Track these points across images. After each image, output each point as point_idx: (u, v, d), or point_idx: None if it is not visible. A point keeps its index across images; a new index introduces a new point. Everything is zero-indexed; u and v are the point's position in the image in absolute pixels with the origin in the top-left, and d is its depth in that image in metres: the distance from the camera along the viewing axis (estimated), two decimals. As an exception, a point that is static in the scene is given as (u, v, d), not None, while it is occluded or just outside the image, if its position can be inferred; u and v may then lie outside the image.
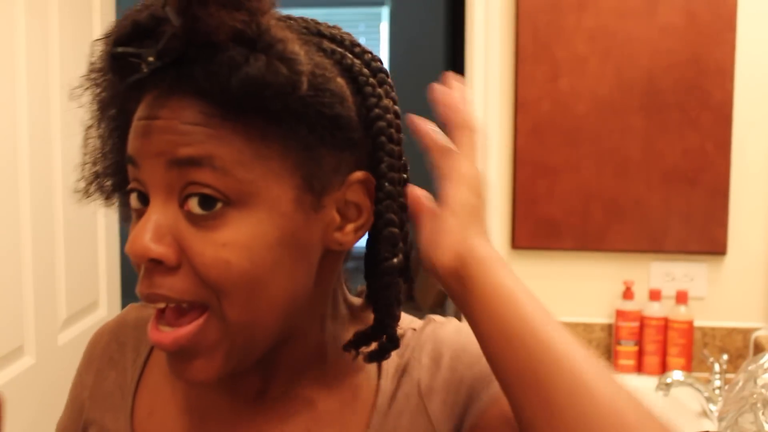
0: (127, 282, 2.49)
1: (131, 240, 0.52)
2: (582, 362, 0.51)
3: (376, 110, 0.58)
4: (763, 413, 1.27)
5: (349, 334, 0.63)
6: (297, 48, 0.51)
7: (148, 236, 0.52)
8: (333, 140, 0.55)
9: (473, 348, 0.61)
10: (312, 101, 0.52)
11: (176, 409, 0.66)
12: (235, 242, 0.52)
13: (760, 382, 1.34)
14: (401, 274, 0.60)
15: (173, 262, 0.53)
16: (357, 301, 0.68)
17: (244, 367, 0.57)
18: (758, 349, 1.79)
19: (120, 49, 0.51)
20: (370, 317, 0.62)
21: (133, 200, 0.56)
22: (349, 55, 0.59)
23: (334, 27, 0.63)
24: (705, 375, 1.76)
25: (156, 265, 0.53)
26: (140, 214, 0.55)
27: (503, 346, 0.53)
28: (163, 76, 0.50)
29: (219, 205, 0.52)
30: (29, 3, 1.54)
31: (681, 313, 1.79)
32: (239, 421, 0.64)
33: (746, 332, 1.83)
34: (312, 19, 0.63)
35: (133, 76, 0.51)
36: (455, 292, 0.56)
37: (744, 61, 1.79)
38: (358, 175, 0.58)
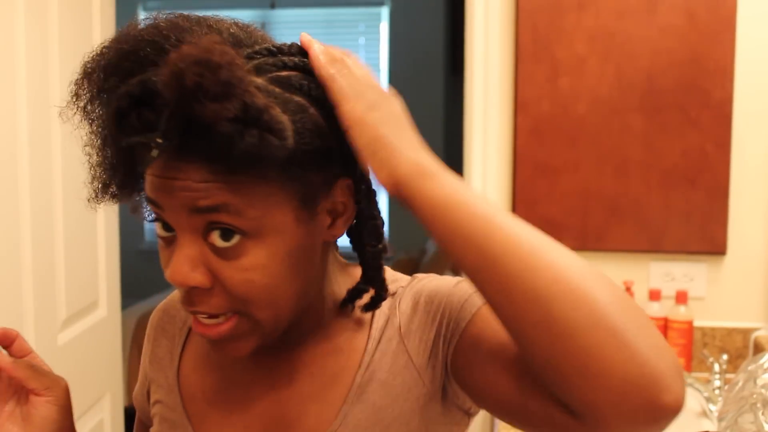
0: (126, 282, 2.49)
1: (173, 271, 0.63)
2: (524, 241, 0.59)
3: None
4: (762, 413, 1.27)
5: (342, 291, 0.76)
6: (279, 112, 0.59)
7: (186, 267, 0.64)
8: (318, 163, 0.65)
9: (442, 289, 0.74)
10: (297, 147, 0.61)
11: (209, 367, 0.81)
12: (255, 265, 0.64)
13: (759, 382, 1.34)
14: (384, 250, 0.74)
15: (208, 286, 0.64)
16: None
17: (271, 341, 0.71)
18: (758, 349, 1.79)
19: (127, 142, 0.59)
20: (359, 270, 0.75)
21: (159, 229, 0.67)
22: (293, 74, 0.65)
23: (253, 29, 0.73)
24: (705, 375, 1.76)
25: (194, 288, 0.65)
26: (168, 241, 0.66)
27: (453, 250, 0.61)
28: (169, 146, 0.59)
29: (237, 237, 0.63)
30: (29, 3, 1.54)
31: (681, 313, 1.79)
32: (258, 374, 0.78)
33: (746, 332, 1.83)
34: (236, 24, 0.71)
35: (144, 161, 0.60)
36: (404, 206, 0.64)
37: (744, 60, 1.79)
38: (341, 183, 0.68)
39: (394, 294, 0.77)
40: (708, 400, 1.58)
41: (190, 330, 0.85)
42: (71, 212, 1.71)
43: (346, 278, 0.77)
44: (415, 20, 4.64)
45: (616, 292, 0.57)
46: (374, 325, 0.76)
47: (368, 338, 0.76)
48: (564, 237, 1.86)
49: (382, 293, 0.74)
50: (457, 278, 0.77)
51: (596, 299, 0.55)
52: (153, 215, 0.67)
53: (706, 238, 1.82)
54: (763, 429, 1.26)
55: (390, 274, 0.79)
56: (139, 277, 3.91)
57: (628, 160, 1.83)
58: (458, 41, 2.26)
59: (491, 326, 0.68)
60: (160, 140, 0.58)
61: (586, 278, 0.56)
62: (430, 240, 4.08)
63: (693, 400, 1.63)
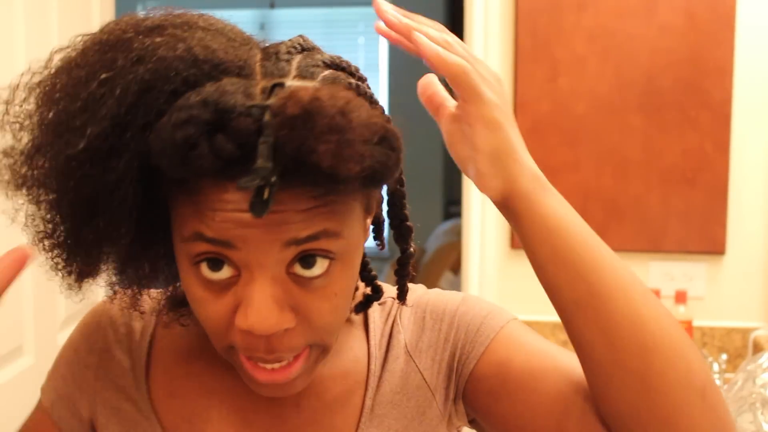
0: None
1: (258, 319, 0.53)
2: (631, 286, 0.57)
3: None
4: (762, 413, 1.28)
5: None
6: (392, 125, 0.53)
7: (276, 311, 0.54)
8: None
9: (449, 306, 0.71)
10: None
11: (196, 392, 0.70)
12: (343, 289, 0.58)
13: (759, 381, 1.34)
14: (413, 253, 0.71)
15: (294, 324, 0.56)
16: None
17: None
18: (757, 348, 1.79)
19: (245, 185, 0.49)
20: None
21: (206, 271, 0.56)
22: (362, 83, 0.61)
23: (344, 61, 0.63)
24: (704, 374, 1.76)
25: (277, 333, 0.56)
26: (219, 285, 0.56)
27: (557, 275, 0.58)
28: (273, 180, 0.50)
29: (326, 262, 0.56)
30: (28, 3, 1.54)
31: (680, 312, 1.79)
32: (260, 401, 0.68)
33: (745, 332, 1.83)
34: (330, 56, 0.61)
35: (257, 204, 0.49)
36: (509, 222, 0.61)
37: (743, 60, 1.79)
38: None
39: (382, 304, 0.73)
40: (707, 399, 1.58)
41: (150, 344, 0.72)
42: (71, 212, 1.70)
43: None
44: (414, 20, 4.64)
45: (701, 355, 0.57)
46: (372, 341, 0.71)
47: (369, 356, 0.70)
48: (563, 237, 1.86)
49: (378, 292, 0.71)
50: (459, 293, 0.73)
51: (691, 360, 0.56)
52: (199, 257, 0.55)
53: (706, 238, 1.82)
54: (762, 429, 1.26)
55: (417, 290, 0.75)
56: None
57: (627, 160, 1.83)
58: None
59: (522, 353, 0.65)
60: (273, 178, 0.49)
61: (683, 337, 0.56)
62: (429, 239, 4.07)
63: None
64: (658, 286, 1.84)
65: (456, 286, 2.79)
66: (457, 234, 3.37)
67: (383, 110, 0.61)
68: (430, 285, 0.77)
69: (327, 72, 0.57)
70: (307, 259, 0.55)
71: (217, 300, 0.56)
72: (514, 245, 1.88)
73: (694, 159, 1.81)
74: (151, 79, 0.52)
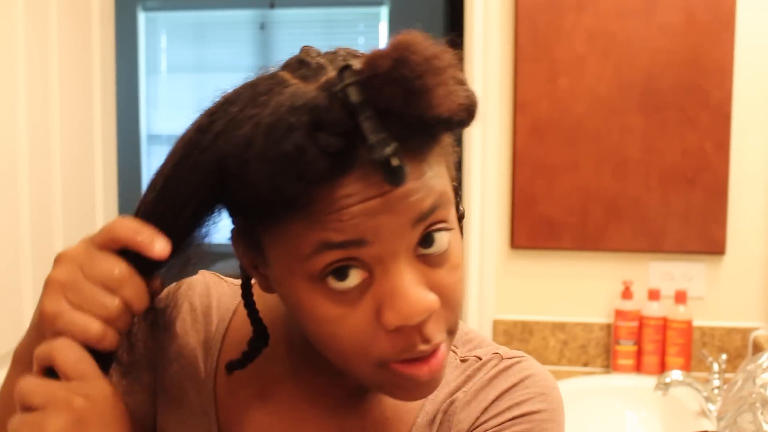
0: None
1: (415, 303, 0.51)
2: None
3: None
4: (761, 413, 1.28)
5: None
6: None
7: (424, 293, 0.52)
8: None
9: (518, 394, 0.63)
10: None
11: (254, 395, 0.67)
12: (461, 259, 0.56)
13: (758, 381, 1.34)
14: None
15: (439, 305, 0.53)
16: None
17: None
18: (757, 348, 1.79)
19: (380, 153, 0.48)
20: None
21: (333, 282, 0.53)
22: None
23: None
24: (704, 375, 1.76)
25: (427, 317, 0.53)
26: (345, 295, 0.53)
27: None
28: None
29: (448, 235, 0.54)
30: (28, 3, 1.54)
31: (680, 312, 1.79)
32: (309, 413, 0.66)
33: (745, 332, 1.83)
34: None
35: (395, 174, 0.48)
36: None
37: (743, 60, 1.79)
38: None
39: (464, 361, 0.66)
40: (707, 399, 1.58)
41: (224, 337, 0.70)
42: (71, 212, 1.71)
43: None
44: (414, 20, 4.61)
45: None
46: (431, 396, 0.64)
47: (421, 409, 0.65)
48: (563, 237, 1.86)
49: None
50: (547, 400, 0.65)
51: None
52: (325, 271, 0.52)
53: (705, 238, 1.82)
54: (762, 428, 1.26)
55: (463, 329, 0.68)
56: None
57: (627, 160, 1.83)
58: (457, 41, 2.24)
59: None
60: (393, 145, 0.48)
61: None
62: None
63: (692, 399, 1.63)
64: (658, 286, 1.84)
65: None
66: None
67: None
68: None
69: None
70: (427, 238, 0.53)
71: (355, 312, 0.53)
72: (513, 245, 1.88)
73: (694, 159, 1.81)
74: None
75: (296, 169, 0.47)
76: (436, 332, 0.54)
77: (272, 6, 4.61)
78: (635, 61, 1.81)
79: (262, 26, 4.53)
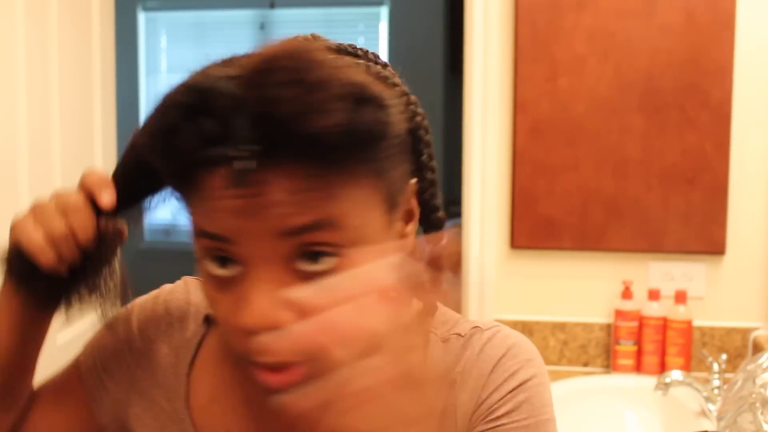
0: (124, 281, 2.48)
1: (256, 313, 0.50)
2: None
3: (410, 107, 0.60)
4: (761, 413, 1.28)
5: None
6: (382, 88, 0.52)
7: (271, 306, 0.50)
8: (400, 158, 0.56)
9: (509, 365, 0.63)
10: (394, 134, 0.54)
11: (236, 399, 0.66)
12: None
13: (758, 381, 1.34)
14: None
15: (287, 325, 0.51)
16: None
17: None
18: (757, 348, 1.79)
19: (207, 158, 0.49)
20: None
21: (213, 268, 0.53)
22: (375, 65, 0.60)
23: (349, 45, 0.63)
24: (704, 375, 1.76)
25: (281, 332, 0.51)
26: (226, 281, 0.53)
27: None
28: (254, 157, 0.48)
29: (335, 260, 0.51)
30: (28, 3, 1.54)
31: (680, 312, 1.79)
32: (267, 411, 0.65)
33: (745, 332, 1.83)
34: (337, 43, 0.62)
35: (242, 171, 0.48)
36: None
37: (743, 60, 1.79)
38: (413, 181, 0.60)
39: (447, 340, 0.66)
40: (707, 399, 1.58)
41: (199, 344, 0.70)
42: (71, 212, 1.70)
43: None
44: (414, 20, 4.63)
45: None
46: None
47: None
48: (563, 237, 1.86)
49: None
50: (531, 365, 0.65)
51: None
52: (206, 254, 0.54)
53: (705, 238, 1.82)
54: (762, 428, 1.26)
55: (440, 310, 0.67)
56: (139, 276, 3.90)
57: (627, 160, 1.83)
58: (457, 41, 2.27)
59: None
60: (247, 153, 0.47)
61: None
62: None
63: (692, 399, 1.63)
64: (658, 286, 1.83)
65: (455, 286, 2.79)
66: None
67: (404, 93, 0.59)
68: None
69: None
70: (312, 255, 0.51)
71: (226, 299, 0.53)
72: (513, 245, 1.88)
73: (694, 159, 1.81)
74: None
75: (168, 144, 0.50)
76: (288, 352, 0.47)
77: (272, 6, 4.61)
78: (635, 61, 1.81)
79: (262, 26, 4.53)
